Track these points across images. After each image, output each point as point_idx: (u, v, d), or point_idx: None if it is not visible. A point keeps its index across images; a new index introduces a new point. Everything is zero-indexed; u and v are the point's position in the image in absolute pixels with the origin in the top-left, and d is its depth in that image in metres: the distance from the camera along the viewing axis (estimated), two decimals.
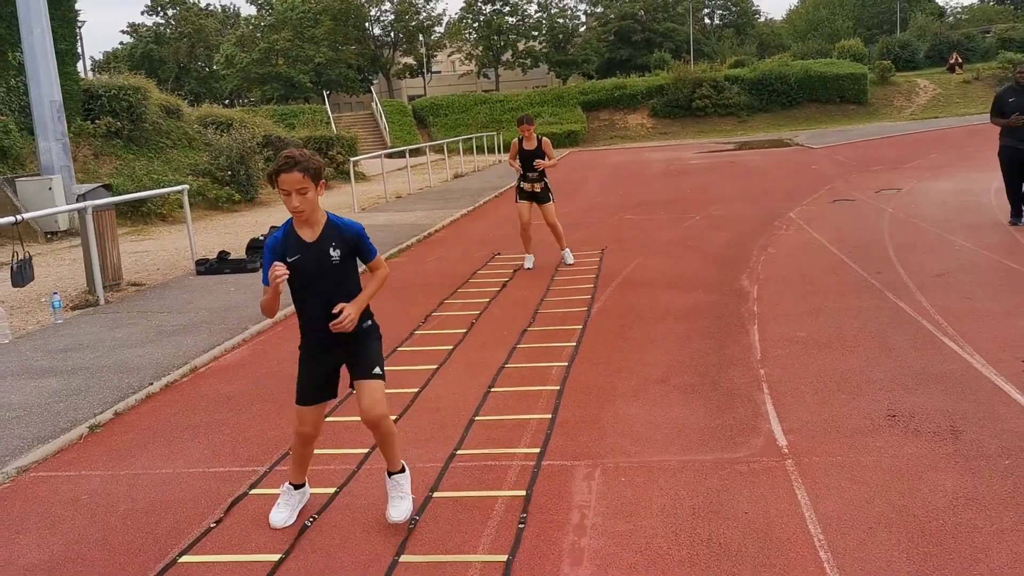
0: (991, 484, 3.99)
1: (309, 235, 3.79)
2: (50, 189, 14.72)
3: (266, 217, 17.81)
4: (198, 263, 10.89)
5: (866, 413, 4.98)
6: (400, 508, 3.94)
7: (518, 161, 10.03)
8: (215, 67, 67.61)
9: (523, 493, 4.22)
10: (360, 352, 3.90)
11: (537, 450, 4.74)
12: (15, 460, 5.00)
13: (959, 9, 78.19)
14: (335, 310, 3.75)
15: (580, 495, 4.18)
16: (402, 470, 4.03)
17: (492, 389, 5.86)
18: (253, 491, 4.46)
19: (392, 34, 69.70)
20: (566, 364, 6.32)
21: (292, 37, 61.32)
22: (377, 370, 3.91)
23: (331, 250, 3.78)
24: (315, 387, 3.96)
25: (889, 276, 8.49)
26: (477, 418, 5.33)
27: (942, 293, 7.65)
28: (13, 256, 8.30)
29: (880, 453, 4.42)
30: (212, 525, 4.11)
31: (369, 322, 3.97)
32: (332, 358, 3.93)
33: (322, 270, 3.79)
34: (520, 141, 9.96)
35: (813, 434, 4.73)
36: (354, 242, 3.84)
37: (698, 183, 19.55)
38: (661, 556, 3.57)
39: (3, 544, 4.07)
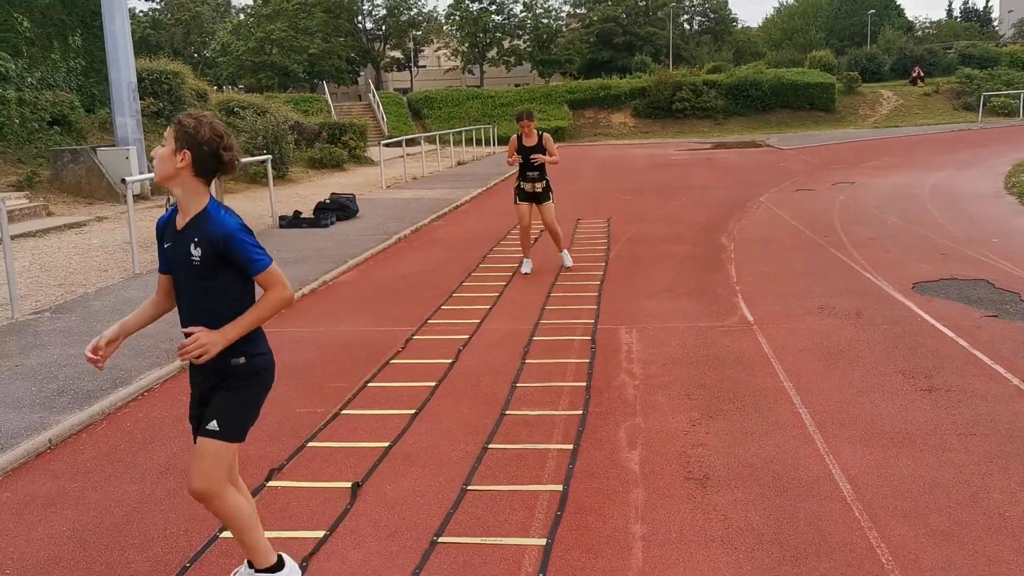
0: (874, 334, 6.65)
1: (180, 221, 3.02)
2: (127, 158, 17.03)
3: (301, 190, 20.20)
4: (280, 219, 13.37)
5: (805, 307, 7.62)
6: None
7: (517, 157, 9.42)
8: (208, 54, 69.58)
9: (589, 338, 6.82)
10: (215, 396, 3.03)
11: (592, 321, 7.34)
12: None
13: (927, 24, 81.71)
14: (186, 330, 2.97)
15: (625, 338, 6.78)
16: (270, 569, 3.23)
17: (551, 294, 8.46)
18: (416, 336, 7.02)
19: (383, 28, 72.00)
20: (598, 283, 8.92)
21: (287, 27, 63.47)
22: (214, 425, 2.98)
23: (192, 247, 2.94)
24: (193, 412, 3.15)
25: (832, 239, 11.17)
26: (546, 307, 7.92)
27: (869, 249, 10.34)
28: (167, 202, 10.73)
29: (811, 323, 7.06)
30: (399, 349, 6.66)
31: (242, 360, 3.02)
32: (206, 384, 3.09)
33: (183, 271, 3.00)
34: (519, 138, 9.34)
35: (770, 317, 7.35)
36: (219, 245, 2.90)
37: (681, 174, 22.24)
38: (677, 360, 6.17)
39: None
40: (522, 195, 9.51)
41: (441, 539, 3.72)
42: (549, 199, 9.51)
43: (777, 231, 12.07)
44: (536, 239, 11.24)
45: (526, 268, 9.62)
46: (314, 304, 8.45)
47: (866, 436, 4.68)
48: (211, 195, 3.02)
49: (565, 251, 9.96)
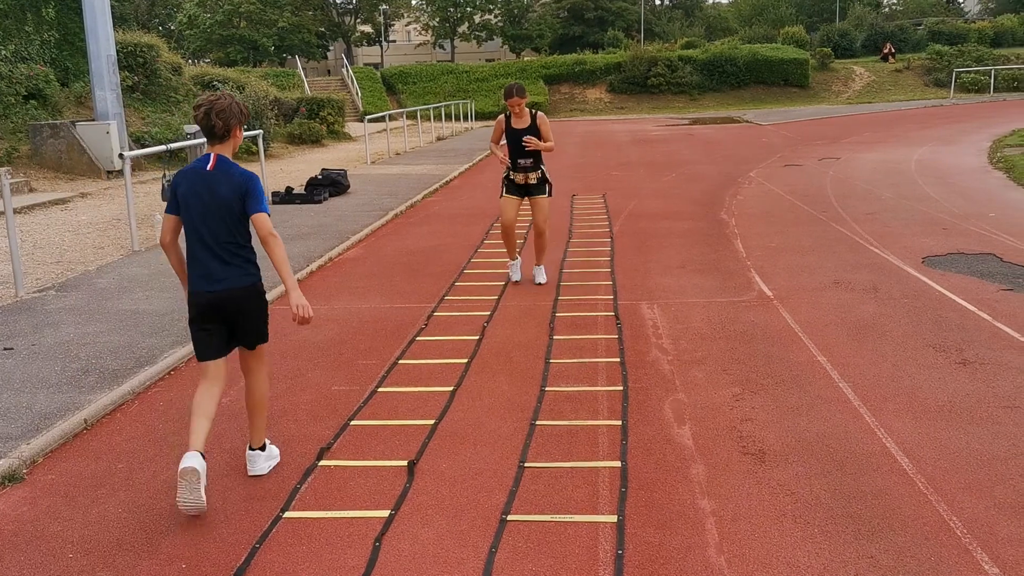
0: (895, 308, 6.69)
1: None
2: (107, 133, 16.66)
3: (284, 165, 19.92)
4: (273, 194, 13.16)
5: (820, 282, 7.65)
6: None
7: (501, 146, 7.81)
8: (173, 27, 68.23)
9: (612, 314, 6.78)
10: None
11: (611, 297, 7.31)
12: None
13: (895, 0, 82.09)
14: None
15: (648, 314, 6.76)
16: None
17: (564, 271, 8.40)
18: (436, 313, 6.94)
19: (353, 1, 71.05)
20: (608, 258, 8.89)
21: (255, 0, 62.37)
22: None
23: None
24: None
25: (832, 214, 11.22)
26: (562, 284, 7.87)
27: (870, 224, 10.39)
28: (164, 176, 10.52)
29: (829, 298, 7.09)
30: (423, 326, 6.59)
31: None
32: None
33: None
34: (508, 118, 7.61)
35: (788, 291, 7.37)
36: None
37: (665, 150, 22.23)
38: (705, 336, 6.16)
39: (291, 334, 6.47)
40: (510, 187, 7.73)
41: (510, 517, 3.68)
42: (545, 192, 7.67)
43: (775, 206, 12.10)
44: (524, 243, 9.30)
45: (515, 275, 7.98)
46: (324, 280, 8.33)
47: (912, 409, 4.70)
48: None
49: (541, 267, 7.97)
